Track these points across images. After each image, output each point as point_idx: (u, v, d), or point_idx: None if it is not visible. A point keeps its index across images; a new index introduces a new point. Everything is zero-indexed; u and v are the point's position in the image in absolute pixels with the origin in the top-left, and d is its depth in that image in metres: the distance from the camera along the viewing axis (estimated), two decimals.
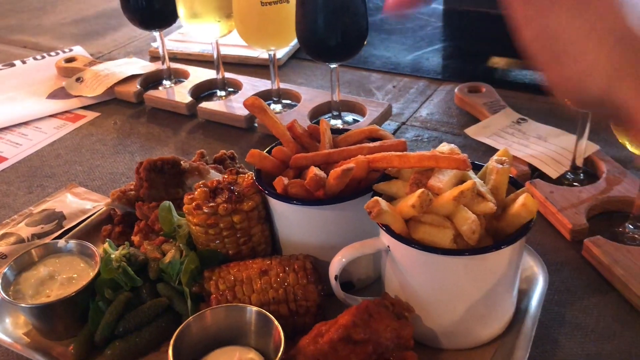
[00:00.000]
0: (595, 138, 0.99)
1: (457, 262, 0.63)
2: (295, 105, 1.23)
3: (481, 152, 1.06)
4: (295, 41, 1.09)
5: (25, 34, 1.80)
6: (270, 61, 1.19)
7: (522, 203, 0.63)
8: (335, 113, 1.16)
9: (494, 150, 1.02)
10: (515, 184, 0.69)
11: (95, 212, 0.94)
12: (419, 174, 0.67)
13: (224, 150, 0.98)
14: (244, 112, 1.19)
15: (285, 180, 0.72)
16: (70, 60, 1.51)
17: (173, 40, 1.62)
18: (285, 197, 0.72)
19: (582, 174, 0.96)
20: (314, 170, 0.71)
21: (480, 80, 1.25)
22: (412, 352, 0.64)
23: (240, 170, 0.90)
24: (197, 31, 1.23)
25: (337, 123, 1.16)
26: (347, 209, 0.72)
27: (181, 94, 1.30)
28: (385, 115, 1.18)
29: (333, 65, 1.08)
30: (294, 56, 1.51)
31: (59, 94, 1.40)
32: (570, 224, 0.85)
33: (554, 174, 0.95)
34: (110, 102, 1.36)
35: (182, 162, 0.89)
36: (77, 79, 1.41)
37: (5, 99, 1.39)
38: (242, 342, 0.66)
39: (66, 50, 1.62)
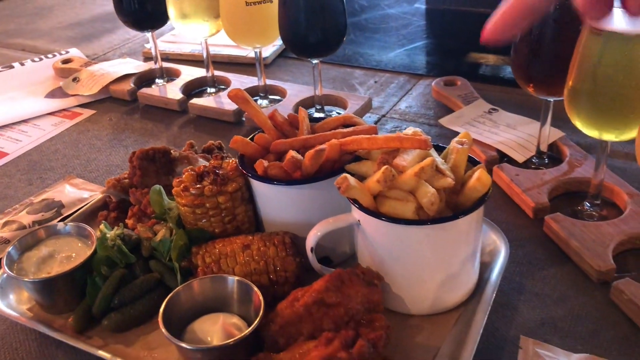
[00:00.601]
0: (564, 126, 1.05)
1: (419, 232, 0.69)
2: (281, 100, 1.30)
3: None
4: (280, 39, 1.15)
5: (24, 37, 1.87)
6: (257, 59, 1.25)
7: (477, 177, 0.69)
8: (318, 107, 1.23)
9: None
10: (474, 163, 0.76)
11: (92, 200, 1.00)
12: (385, 155, 0.74)
13: (212, 141, 1.04)
14: (233, 106, 1.25)
15: (265, 163, 0.79)
16: (67, 61, 1.58)
17: (166, 41, 1.69)
18: (266, 178, 0.79)
19: (546, 159, 1.03)
20: (291, 153, 0.78)
21: (459, 74, 1.32)
22: (381, 315, 0.70)
23: (227, 157, 0.97)
24: (187, 31, 1.30)
25: (320, 116, 1.22)
26: (322, 188, 0.78)
27: (173, 91, 1.37)
28: (366, 108, 1.25)
29: (315, 61, 1.15)
30: (281, 55, 1.58)
31: (57, 93, 1.47)
32: (533, 202, 0.91)
33: (520, 159, 1.02)
34: (105, 100, 1.43)
35: (172, 152, 0.95)
36: (74, 79, 1.48)
37: (5, 98, 1.46)
38: (227, 309, 0.73)
39: (63, 52, 1.68)
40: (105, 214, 0.94)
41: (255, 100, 0.99)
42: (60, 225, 0.86)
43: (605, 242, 0.82)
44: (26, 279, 0.77)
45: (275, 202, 0.82)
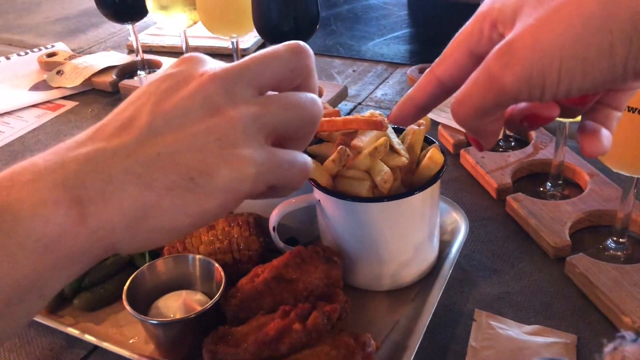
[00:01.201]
0: None
1: (374, 209, 0.72)
2: None
3: None
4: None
5: (11, 32, 1.89)
6: (234, 49, 1.27)
7: (429, 156, 0.72)
8: None
9: (435, 123, 1.12)
10: (430, 143, 0.78)
11: None
12: (344, 136, 0.76)
13: None
14: None
15: None
16: (51, 55, 1.60)
17: (150, 34, 1.71)
18: None
19: (513, 142, 1.05)
20: None
21: None
22: (339, 290, 0.73)
23: None
24: (166, 23, 1.32)
25: None
26: None
27: None
28: (342, 95, 1.27)
29: None
30: (263, 46, 1.60)
31: (41, 86, 1.49)
32: (495, 184, 0.94)
33: None
34: (88, 92, 1.45)
35: None
36: (58, 72, 1.50)
37: None
38: (191, 287, 0.75)
39: (49, 46, 1.71)
40: None
41: None
42: None
43: (563, 219, 0.85)
44: None
45: None
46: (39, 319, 0.77)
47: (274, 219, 0.77)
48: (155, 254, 0.81)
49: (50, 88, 1.47)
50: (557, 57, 0.39)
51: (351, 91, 1.33)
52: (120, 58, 1.53)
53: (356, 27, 1.69)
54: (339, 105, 1.27)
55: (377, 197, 0.71)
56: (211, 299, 0.73)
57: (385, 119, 0.74)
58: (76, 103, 1.41)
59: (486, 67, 0.43)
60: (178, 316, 0.70)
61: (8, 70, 1.58)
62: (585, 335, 0.71)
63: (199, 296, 0.73)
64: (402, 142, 0.77)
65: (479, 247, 0.87)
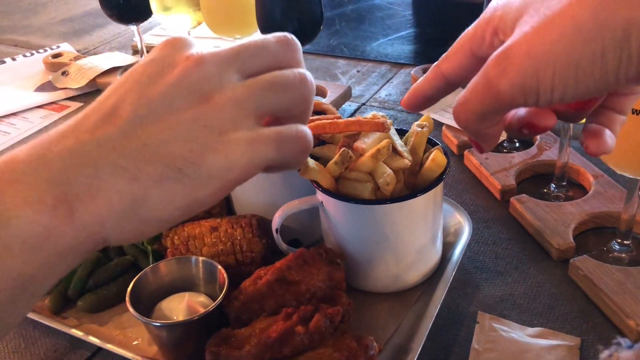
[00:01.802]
0: None
1: (376, 211, 0.72)
2: None
3: None
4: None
5: (16, 33, 1.90)
6: None
7: (432, 158, 0.72)
8: None
9: (439, 124, 1.12)
10: (434, 145, 0.78)
11: None
12: (347, 138, 0.76)
13: None
14: None
15: None
16: (56, 56, 1.60)
17: (154, 35, 1.71)
18: None
19: (517, 143, 1.05)
20: None
21: None
22: (342, 292, 0.73)
23: None
24: (170, 24, 1.32)
25: None
26: (290, 172, 0.80)
27: None
28: (345, 96, 1.27)
29: None
30: None
31: (46, 87, 1.50)
32: (499, 185, 0.94)
33: None
34: (93, 93, 1.45)
35: None
36: (63, 73, 1.50)
37: None
38: (194, 289, 0.75)
39: (54, 47, 1.71)
40: None
41: None
42: None
43: (567, 221, 0.84)
44: None
45: (244, 187, 0.84)
46: (43, 320, 0.78)
47: (276, 220, 0.77)
48: (159, 255, 0.82)
49: (56, 89, 1.47)
50: (551, 64, 0.40)
51: (355, 91, 1.33)
52: (125, 59, 1.53)
53: (360, 27, 1.69)
54: (343, 106, 1.28)
55: (380, 199, 0.71)
56: (214, 300, 0.73)
57: (388, 121, 0.74)
58: (81, 104, 1.42)
59: (484, 73, 0.43)
60: (181, 318, 0.70)
61: (14, 71, 1.59)
62: (588, 337, 0.71)
63: (202, 298, 0.73)
64: (405, 143, 0.77)
65: (482, 248, 0.86)
